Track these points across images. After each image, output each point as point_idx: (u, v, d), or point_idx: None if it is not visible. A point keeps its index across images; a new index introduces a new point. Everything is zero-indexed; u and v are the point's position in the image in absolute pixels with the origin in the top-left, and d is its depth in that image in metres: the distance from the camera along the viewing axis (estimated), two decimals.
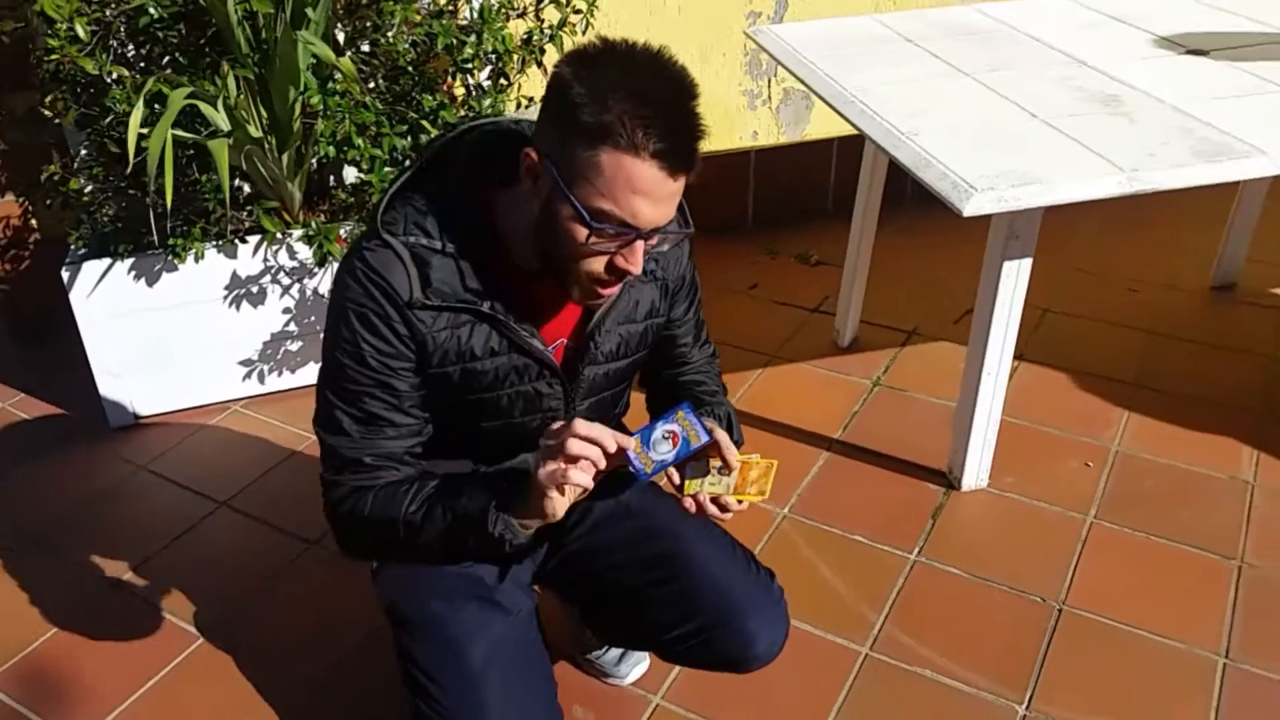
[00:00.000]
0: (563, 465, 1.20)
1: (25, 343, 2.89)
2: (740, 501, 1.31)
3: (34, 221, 2.85)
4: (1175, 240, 3.26)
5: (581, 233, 1.18)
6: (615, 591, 1.52)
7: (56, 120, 2.70)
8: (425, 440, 1.38)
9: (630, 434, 1.30)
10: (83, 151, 2.60)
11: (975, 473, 2.21)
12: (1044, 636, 1.88)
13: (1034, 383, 2.57)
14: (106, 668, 1.89)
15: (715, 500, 1.31)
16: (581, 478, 1.20)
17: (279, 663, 1.89)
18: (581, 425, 1.20)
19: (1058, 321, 2.84)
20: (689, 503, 1.32)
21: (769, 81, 3.26)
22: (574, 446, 1.19)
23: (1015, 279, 2.00)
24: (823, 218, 3.51)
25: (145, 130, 2.03)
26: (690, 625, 1.44)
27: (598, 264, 1.21)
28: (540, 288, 1.32)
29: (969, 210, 1.66)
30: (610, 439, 1.22)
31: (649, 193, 1.14)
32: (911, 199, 3.57)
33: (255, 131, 2.15)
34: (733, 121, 3.28)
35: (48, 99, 2.38)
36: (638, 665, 1.82)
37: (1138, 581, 2.00)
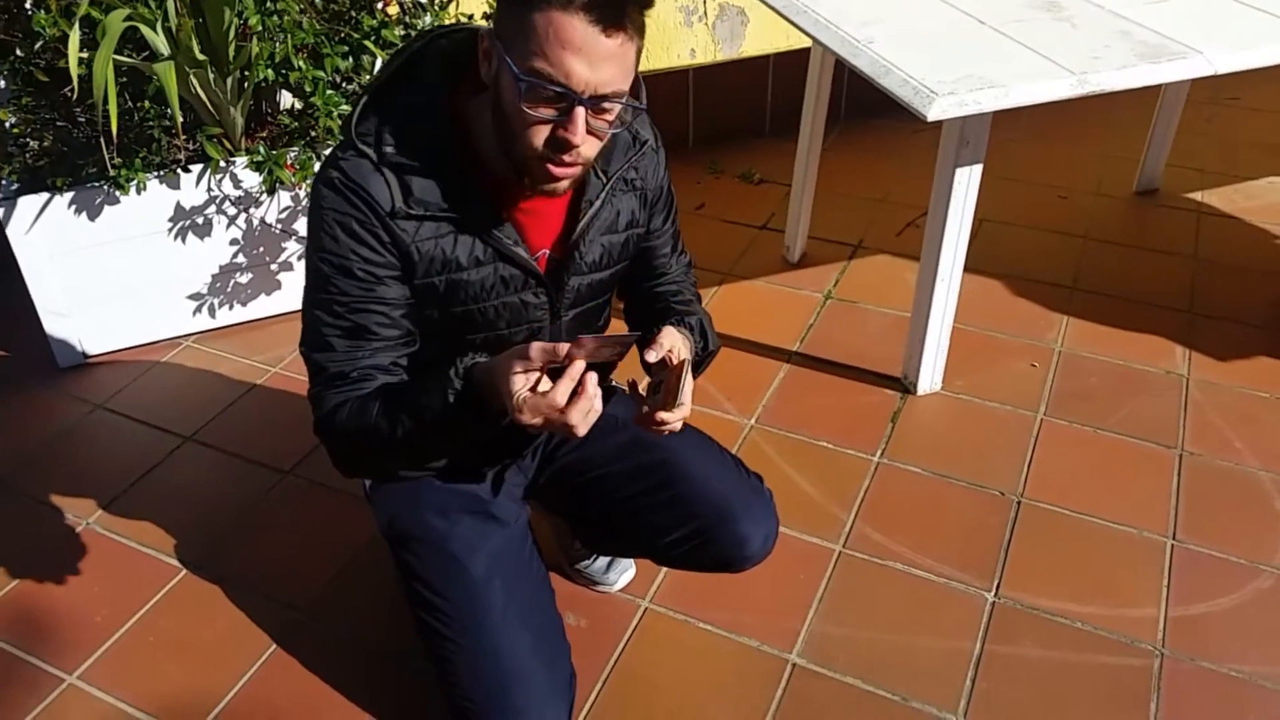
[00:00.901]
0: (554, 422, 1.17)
1: None
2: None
3: None
4: (1098, 148, 3.37)
5: (516, 94, 1.15)
6: (609, 502, 1.56)
7: None
8: (413, 352, 1.36)
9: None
10: (1, 83, 2.48)
11: (930, 377, 2.30)
12: (1006, 527, 1.99)
13: (976, 290, 2.66)
14: (91, 603, 1.88)
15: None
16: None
17: (266, 589, 1.89)
18: (577, 413, 1.15)
19: (994, 230, 2.93)
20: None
21: None
22: (575, 419, 1.15)
23: (966, 186, 2.06)
24: (761, 136, 3.54)
25: (84, 55, 1.95)
26: (685, 529, 1.49)
27: (541, 136, 1.17)
28: (518, 196, 1.31)
29: (933, 114, 1.70)
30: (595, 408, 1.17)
31: (580, 48, 1.12)
32: (845, 115, 3.62)
33: (200, 55, 2.08)
34: (670, 39, 3.26)
35: None
36: (625, 573, 1.87)
37: (1088, 472, 2.11)
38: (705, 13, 3.26)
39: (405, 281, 1.32)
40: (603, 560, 1.87)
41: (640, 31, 1.17)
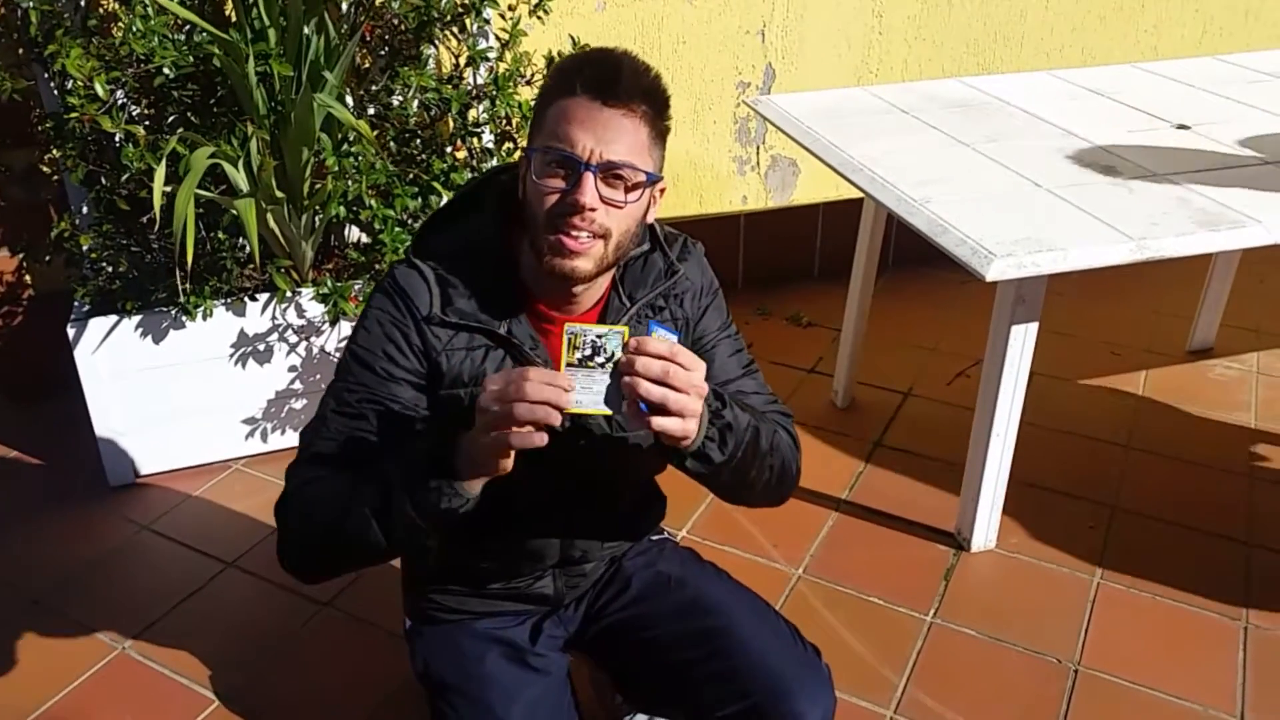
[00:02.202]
0: (508, 432, 1.11)
1: (18, 399, 2.84)
2: None
3: (28, 277, 2.82)
4: (1150, 305, 3.36)
5: (530, 172, 1.24)
6: (659, 665, 1.50)
7: (55, 177, 2.70)
8: None
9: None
10: (84, 209, 2.59)
11: (984, 534, 2.25)
12: (1063, 698, 1.91)
13: (1029, 445, 2.61)
14: None
15: None
16: (530, 440, 1.11)
17: None
18: (532, 386, 1.09)
19: (1045, 384, 2.90)
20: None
21: (757, 148, 3.34)
22: (522, 412, 1.09)
23: (1022, 343, 2.06)
24: (810, 280, 3.58)
25: (167, 189, 2.03)
26: (738, 705, 1.41)
27: (553, 203, 1.23)
28: (556, 319, 1.34)
29: (991, 275, 1.71)
30: (564, 395, 1.11)
31: (583, 120, 1.21)
32: (893, 263, 3.66)
33: (279, 193, 2.16)
34: (723, 186, 3.34)
35: (56, 155, 2.38)
36: None
37: (1148, 641, 2.03)
38: (758, 163, 3.35)
39: (425, 391, 1.34)
40: (641, 716, 1.81)
41: (651, 120, 1.25)
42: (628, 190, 1.25)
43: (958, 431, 2.64)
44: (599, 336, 1.13)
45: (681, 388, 1.13)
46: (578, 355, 1.12)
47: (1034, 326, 2.05)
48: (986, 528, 2.25)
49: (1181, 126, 2.38)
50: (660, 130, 1.28)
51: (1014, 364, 2.07)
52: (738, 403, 1.32)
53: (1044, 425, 2.70)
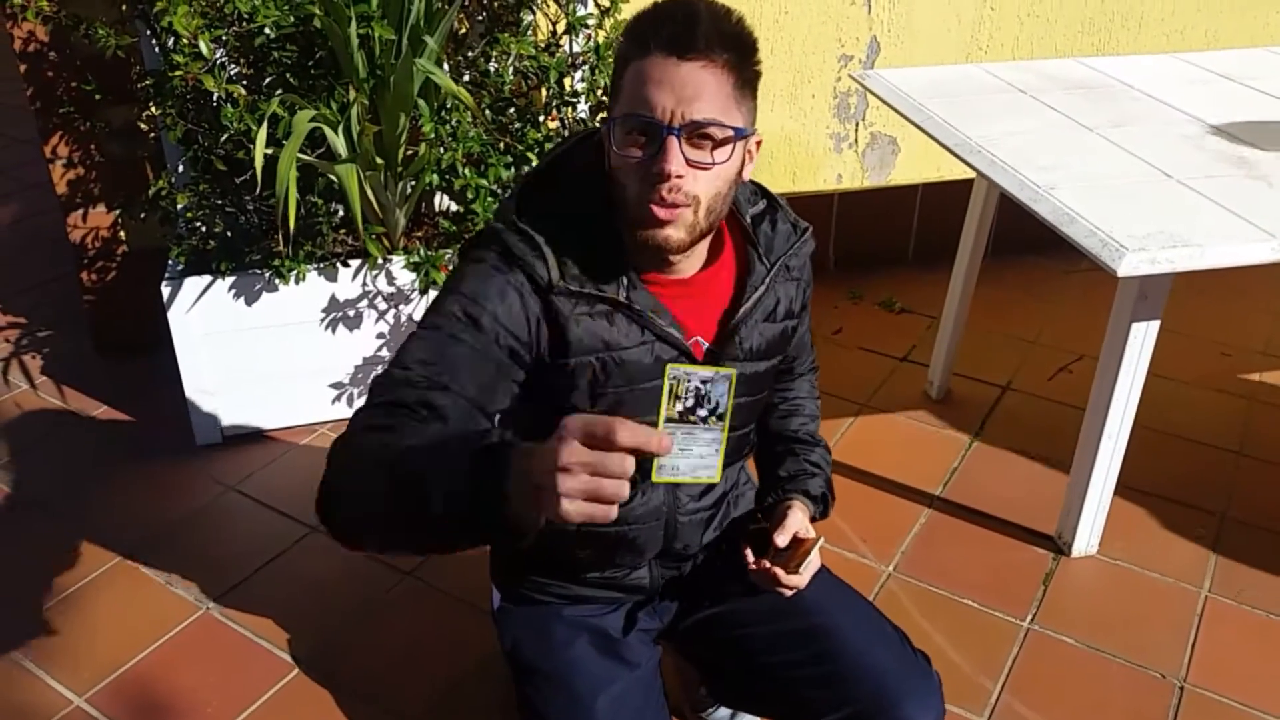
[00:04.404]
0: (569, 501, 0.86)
1: (111, 356, 2.87)
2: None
3: (123, 234, 2.84)
4: (1266, 305, 3.19)
5: (613, 144, 1.18)
6: (755, 665, 1.45)
7: (153, 135, 2.71)
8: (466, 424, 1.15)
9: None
10: (180, 168, 2.60)
11: (1086, 539, 2.15)
12: (1168, 715, 1.82)
13: (1135, 447, 2.50)
14: (205, 691, 1.86)
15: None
16: (592, 517, 0.87)
17: (379, 697, 1.85)
18: (614, 462, 0.86)
19: (1152, 384, 2.75)
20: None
21: (856, 125, 3.23)
22: (600, 491, 0.87)
23: (1142, 342, 1.95)
24: (904, 264, 3.47)
25: (267, 151, 2.02)
26: (841, 712, 1.35)
27: (639, 174, 1.16)
28: (669, 284, 1.29)
29: (1123, 271, 1.61)
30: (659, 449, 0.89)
31: (660, 80, 1.14)
32: (992, 251, 3.53)
33: (378, 159, 2.13)
34: (818, 163, 3.25)
35: (155, 113, 2.38)
36: None
37: (1259, 660, 1.93)
38: (856, 140, 3.25)
39: (535, 361, 1.24)
40: (725, 710, 1.76)
41: (736, 69, 1.16)
42: (715, 148, 1.16)
43: (1059, 429, 2.54)
44: (704, 382, 0.96)
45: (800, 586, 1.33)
46: (678, 407, 0.96)
47: (1155, 325, 1.94)
48: (1090, 532, 2.15)
49: None
50: (748, 78, 1.19)
51: (1131, 363, 1.96)
52: (815, 457, 1.51)
53: (1150, 426, 2.58)
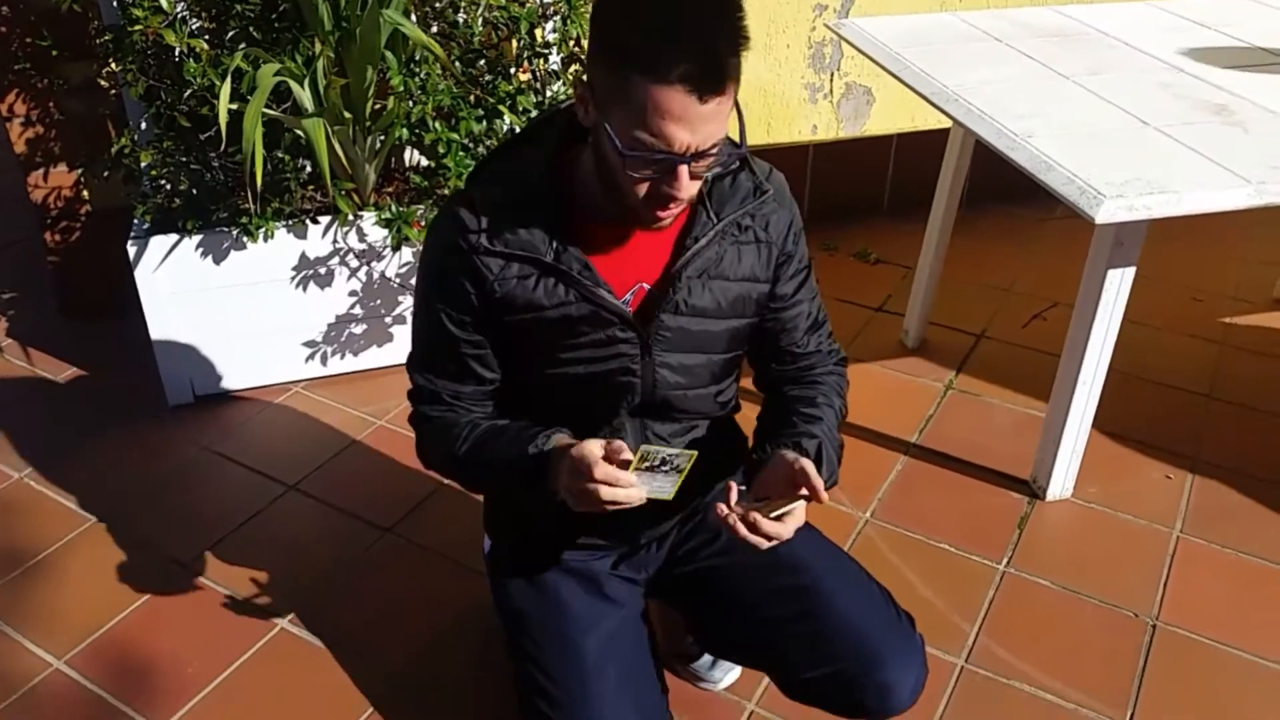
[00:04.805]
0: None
1: (76, 317, 2.83)
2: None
3: (85, 193, 2.78)
4: (1236, 252, 3.22)
5: (619, 161, 1.18)
6: (743, 619, 1.46)
7: (115, 92, 2.64)
8: (493, 390, 1.42)
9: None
10: (143, 125, 2.54)
11: (1061, 483, 2.18)
12: (1140, 653, 1.85)
13: (1107, 390, 2.53)
14: (186, 651, 1.85)
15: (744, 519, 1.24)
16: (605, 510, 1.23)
17: (363, 652, 1.85)
18: (606, 492, 1.20)
19: (1125, 329, 2.78)
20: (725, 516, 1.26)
21: (831, 75, 3.21)
22: (599, 504, 1.21)
23: (1118, 288, 1.97)
24: (878, 215, 3.47)
25: (232, 106, 1.97)
26: (825, 669, 1.37)
27: (644, 189, 1.20)
28: (620, 231, 1.33)
29: (1101, 218, 1.62)
30: (633, 495, 1.22)
31: (681, 117, 1.13)
32: (966, 200, 3.53)
33: (346, 113, 2.09)
34: (793, 114, 3.22)
35: (115, 69, 2.32)
36: (730, 671, 1.78)
37: (1229, 599, 1.97)
38: (831, 90, 3.22)
39: (490, 324, 1.35)
40: (709, 656, 1.78)
41: (737, 77, 1.16)
42: (712, 159, 1.21)
43: (1033, 376, 2.57)
44: (672, 456, 1.20)
45: (781, 537, 1.24)
46: (645, 464, 1.20)
47: (1131, 272, 1.95)
48: (1064, 476, 2.18)
49: None
50: (739, 83, 1.19)
51: (1107, 309, 1.97)
52: (815, 428, 1.39)
53: (1122, 371, 2.59)
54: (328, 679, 1.80)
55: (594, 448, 1.21)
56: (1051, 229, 3.33)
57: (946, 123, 2.19)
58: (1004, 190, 3.31)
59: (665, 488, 1.23)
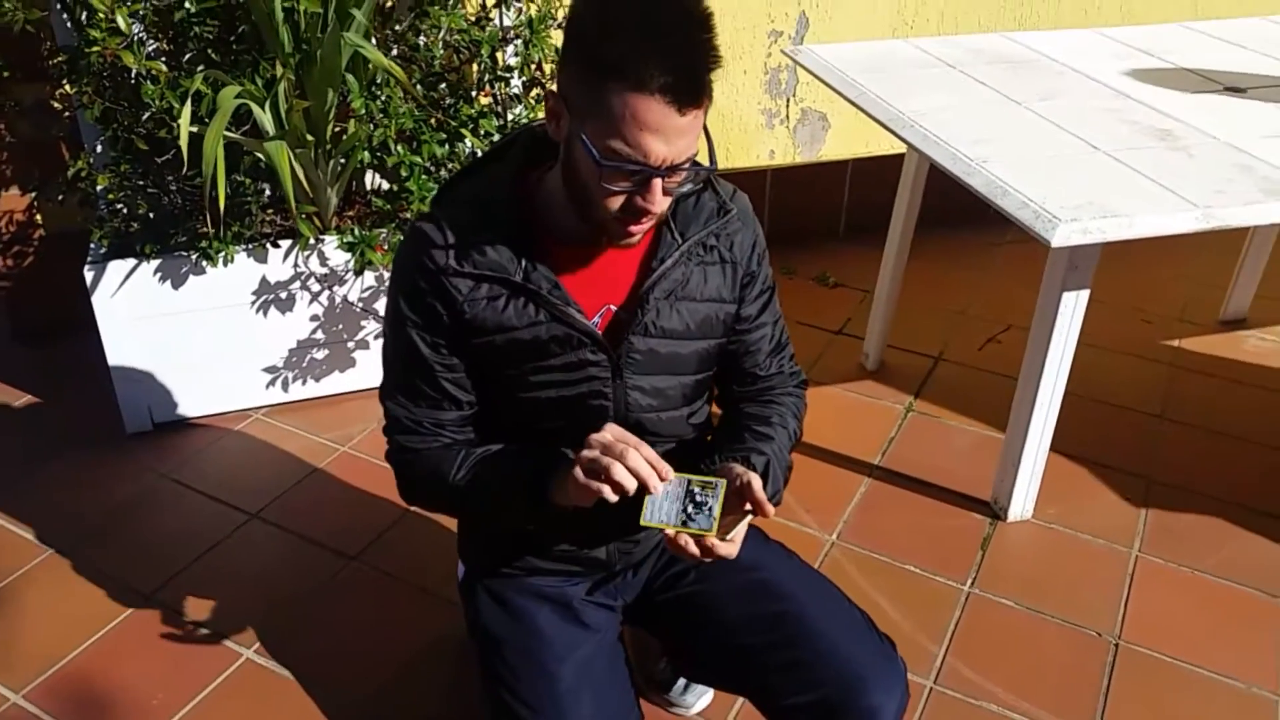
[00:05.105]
0: (596, 484, 1.19)
1: (29, 343, 2.77)
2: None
3: (39, 217, 2.73)
4: (1182, 273, 3.30)
5: (595, 172, 1.18)
6: (725, 646, 1.45)
7: (68, 114, 2.61)
8: (472, 414, 1.41)
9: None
10: (99, 148, 2.51)
11: (1021, 504, 2.22)
12: (1103, 671, 1.88)
13: (1063, 412, 2.57)
14: (149, 683, 1.81)
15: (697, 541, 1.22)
16: (606, 496, 1.19)
17: (331, 681, 1.82)
18: (635, 457, 1.18)
19: (1078, 351, 2.84)
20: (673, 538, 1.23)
21: (788, 101, 3.25)
22: (616, 472, 1.18)
23: (1073, 310, 2.01)
24: (835, 239, 3.51)
25: (192, 129, 1.96)
26: (810, 696, 1.36)
27: (617, 203, 1.20)
28: (586, 253, 1.33)
29: (1057, 241, 1.66)
30: (656, 481, 1.19)
31: (658, 129, 1.14)
32: (919, 225, 3.59)
33: (308, 135, 2.08)
34: (750, 140, 3.26)
35: (69, 91, 2.29)
36: (703, 696, 1.78)
37: (1188, 617, 2.01)
38: (787, 116, 3.27)
39: (462, 345, 1.34)
40: (682, 681, 1.78)
41: (711, 94, 1.18)
42: (685, 173, 1.22)
43: (990, 397, 2.61)
44: (708, 486, 1.21)
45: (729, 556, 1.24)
46: (691, 488, 1.21)
47: (1085, 294, 1.99)
48: (1024, 498, 2.21)
49: (1232, 89, 2.31)
50: (712, 100, 1.21)
51: (1063, 332, 2.01)
52: (764, 446, 1.38)
53: (1076, 393, 2.64)
54: (295, 709, 1.77)
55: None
56: (1002, 253, 3.40)
57: (901, 148, 2.24)
58: (955, 215, 3.37)
59: (672, 514, 1.20)
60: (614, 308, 1.36)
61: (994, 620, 1.98)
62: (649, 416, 1.40)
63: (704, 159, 1.26)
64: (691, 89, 1.13)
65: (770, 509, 1.23)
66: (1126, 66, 2.43)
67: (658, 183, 1.18)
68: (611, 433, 1.21)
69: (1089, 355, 2.82)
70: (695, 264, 1.36)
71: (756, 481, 1.24)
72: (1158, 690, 1.84)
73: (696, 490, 1.20)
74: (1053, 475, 2.29)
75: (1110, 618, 1.99)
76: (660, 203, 1.20)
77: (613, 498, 1.18)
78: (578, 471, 1.20)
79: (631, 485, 1.17)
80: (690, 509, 1.20)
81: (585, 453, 1.20)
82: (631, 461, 1.17)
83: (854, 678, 1.34)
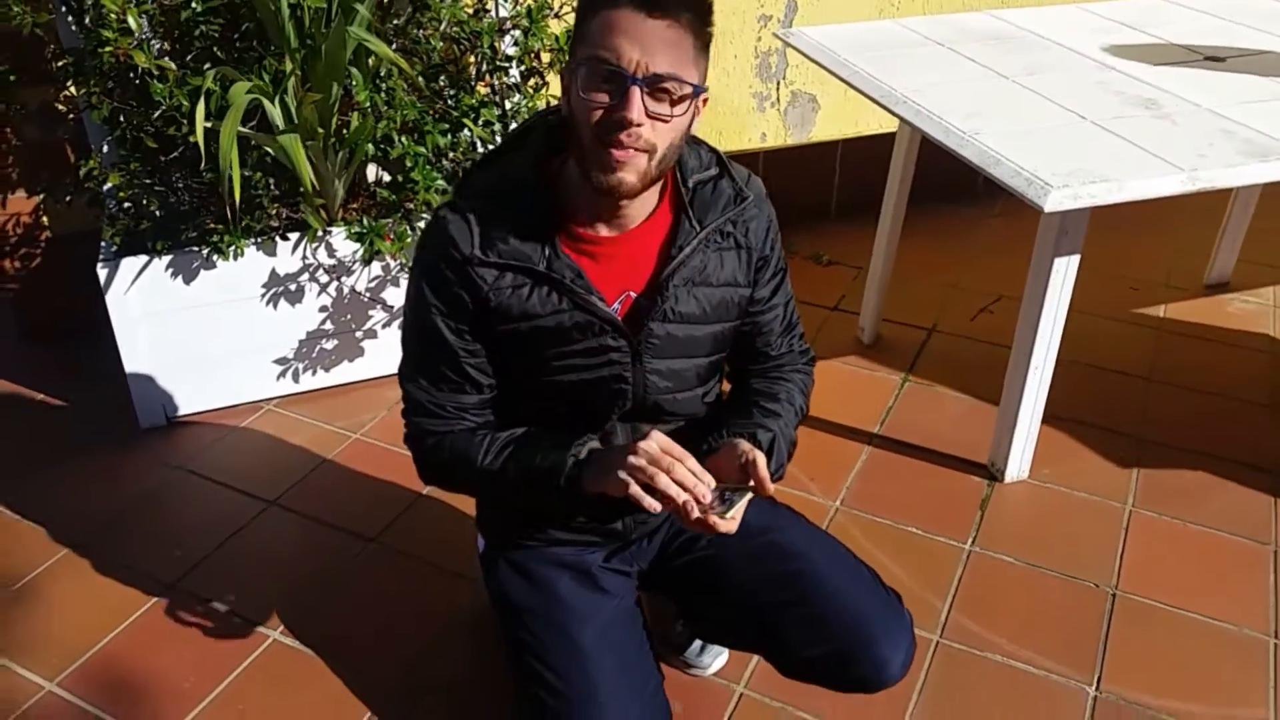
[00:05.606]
0: (637, 489, 1.25)
1: (39, 343, 2.81)
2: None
3: (45, 219, 2.77)
4: (1167, 241, 3.38)
5: (577, 87, 1.23)
6: (740, 606, 1.51)
7: (72, 116, 2.65)
8: (492, 398, 1.45)
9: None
10: (105, 148, 2.55)
11: (1018, 465, 2.29)
12: (1103, 620, 1.95)
13: (1055, 376, 2.65)
14: (179, 666, 1.86)
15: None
16: (649, 506, 1.25)
17: (357, 659, 1.88)
18: (682, 471, 1.25)
19: (1067, 317, 2.92)
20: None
21: (778, 84, 3.31)
22: (662, 482, 1.24)
23: (1064, 275, 2.08)
24: (827, 219, 3.57)
25: (208, 124, 2.00)
26: (823, 649, 1.44)
27: (597, 117, 1.22)
28: (608, 239, 1.36)
29: (1049, 206, 1.72)
30: (701, 496, 1.25)
31: (627, 30, 1.20)
32: (910, 202, 3.65)
33: (320, 129, 2.13)
34: (742, 123, 3.32)
35: (75, 93, 2.33)
36: (719, 656, 1.84)
37: (1182, 567, 2.08)
38: (778, 99, 3.33)
39: (485, 331, 1.38)
40: (698, 642, 1.84)
41: (695, 30, 1.23)
42: (674, 103, 1.23)
43: (983, 366, 2.68)
44: (739, 490, 1.29)
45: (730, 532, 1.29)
46: (723, 493, 1.28)
47: (1075, 259, 2.06)
48: (1021, 459, 2.28)
49: (1212, 59, 2.38)
50: (705, 40, 1.26)
51: (1055, 296, 2.08)
52: (770, 422, 1.45)
53: (1067, 358, 2.72)
54: (324, 687, 1.83)
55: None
56: (990, 227, 3.47)
57: (888, 127, 2.30)
58: (941, 192, 3.44)
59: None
60: (634, 294, 1.40)
61: (995, 576, 2.06)
62: (665, 398, 1.46)
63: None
64: None
65: (770, 487, 1.29)
66: (1109, 40, 2.50)
67: (635, 91, 1.20)
68: (658, 443, 1.26)
69: (1078, 322, 2.88)
70: (713, 250, 1.41)
71: (761, 460, 1.30)
72: (1154, 636, 1.92)
73: (728, 493, 1.27)
74: (1047, 437, 2.37)
75: (1107, 569, 2.07)
76: (639, 113, 1.20)
77: (657, 508, 1.24)
78: (624, 477, 1.24)
79: (680, 498, 1.23)
80: (717, 505, 1.26)
81: (633, 459, 1.25)
82: (679, 474, 1.23)
83: (865, 632, 1.42)
